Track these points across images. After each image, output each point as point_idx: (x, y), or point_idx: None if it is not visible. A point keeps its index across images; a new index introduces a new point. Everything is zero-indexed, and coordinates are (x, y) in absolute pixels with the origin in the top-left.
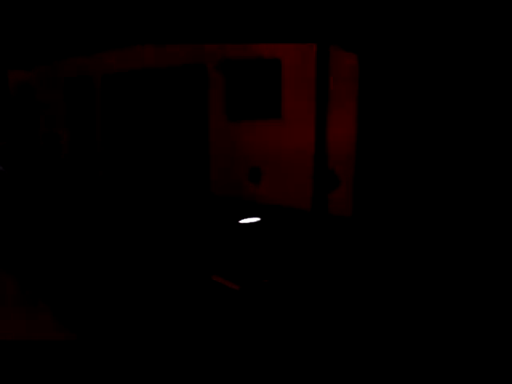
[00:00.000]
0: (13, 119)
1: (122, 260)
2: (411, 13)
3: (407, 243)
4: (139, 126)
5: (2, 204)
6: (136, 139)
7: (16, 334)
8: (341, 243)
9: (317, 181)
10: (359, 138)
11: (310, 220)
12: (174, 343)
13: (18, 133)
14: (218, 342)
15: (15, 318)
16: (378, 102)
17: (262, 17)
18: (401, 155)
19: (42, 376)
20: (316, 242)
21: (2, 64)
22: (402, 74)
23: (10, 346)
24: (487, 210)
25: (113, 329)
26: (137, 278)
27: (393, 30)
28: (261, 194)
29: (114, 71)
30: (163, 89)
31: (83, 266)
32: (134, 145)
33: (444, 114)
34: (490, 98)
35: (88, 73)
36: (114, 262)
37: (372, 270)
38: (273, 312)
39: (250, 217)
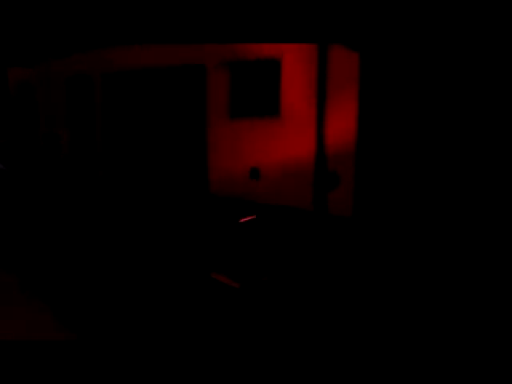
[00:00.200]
0: (12, 117)
1: (121, 259)
2: (414, 11)
3: (406, 242)
4: (139, 125)
5: (2, 202)
6: (135, 138)
7: (16, 334)
8: (340, 242)
9: (317, 180)
10: (359, 137)
11: (309, 219)
12: (174, 341)
13: (18, 131)
14: (218, 340)
15: (15, 317)
16: (378, 102)
17: (262, 17)
18: (401, 155)
19: (42, 376)
20: (315, 240)
21: (2, 62)
22: (402, 74)
23: (9, 346)
24: (486, 211)
25: (113, 328)
26: (136, 277)
27: (394, 28)
28: (260, 193)
29: (113, 70)
30: (163, 88)
31: (83, 265)
32: (133, 144)
33: (445, 113)
34: (492, 99)
35: (88, 71)
36: (114, 261)
37: (371, 268)
38: (273, 310)
39: (249, 215)
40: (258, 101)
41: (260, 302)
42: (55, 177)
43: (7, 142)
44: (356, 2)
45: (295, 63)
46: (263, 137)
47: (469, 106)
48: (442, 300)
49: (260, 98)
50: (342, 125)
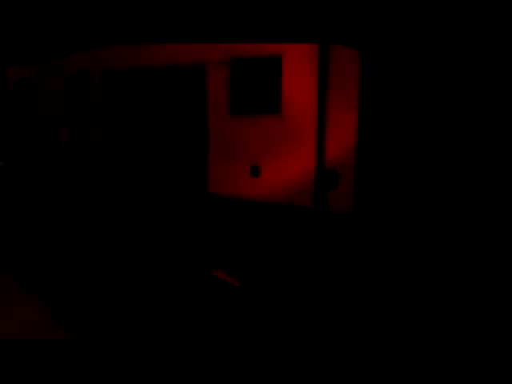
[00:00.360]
0: (12, 116)
1: (121, 258)
2: (415, 10)
3: (407, 240)
4: (138, 122)
5: (1, 200)
6: (135, 136)
7: (16, 334)
8: (340, 240)
9: (317, 178)
10: (360, 135)
11: (309, 217)
12: (174, 340)
13: (18, 129)
14: (218, 338)
15: (15, 317)
16: (379, 100)
17: (263, 17)
18: (402, 152)
19: (41, 376)
20: (316, 238)
21: (2, 60)
22: (403, 72)
23: (10, 346)
24: (486, 211)
25: (113, 327)
26: (136, 276)
27: (395, 26)
28: (260, 192)
29: (114, 68)
30: (162, 86)
31: (83, 264)
32: (133, 141)
33: (445, 111)
34: (492, 100)
35: (88, 70)
36: (114, 260)
37: (372, 265)
38: (273, 308)
39: (249, 215)
40: (259, 98)
41: (260, 300)
42: (55, 175)
43: (7, 140)
44: (356, 2)
45: (296, 61)
46: (264, 134)
47: (471, 104)
48: (444, 297)
49: (261, 96)
50: (343, 122)
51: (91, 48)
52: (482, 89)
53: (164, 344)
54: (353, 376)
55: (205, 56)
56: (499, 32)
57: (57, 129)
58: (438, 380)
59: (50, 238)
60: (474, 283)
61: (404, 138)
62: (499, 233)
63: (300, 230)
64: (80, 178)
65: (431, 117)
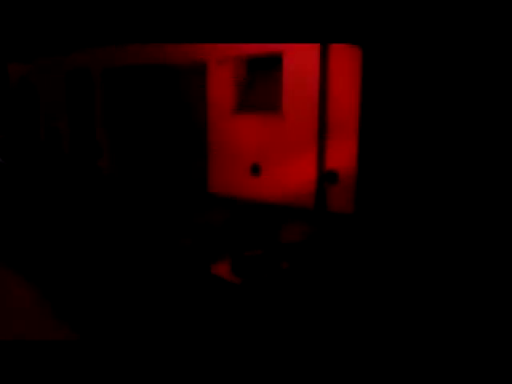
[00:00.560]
0: (13, 112)
1: (121, 257)
2: (417, 10)
3: (407, 240)
4: (138, 120)
5: (1, 197)
6: (135, 133)
7: (16, 334)
8: (341, 239)
9: (317, 177)
10: (361, 134)
11: (310, 216)
12: (174, 338)
13: (19, 126)
14: (219, 336)
15: (15, 317)
16: (380, 99)
17: (265, 16)
18: (403, 152)
19: (42, 376)
20: (316, 237)
21: (3, 57)
22: (403, 70)
23: (10, 346)
24: (486, 210)
25: (113, 326)
26: (136, 275)
27: (397, 24)
28: (260, 192)
29: (113, 65)
30: (163, 84)
31: (83, 263)
32: (132, 138)
33: (446, 111)
34: (494, 100)
35: (88, 67)
36: (114, 259)
37: (372, 264)
38: (274, 306)
39: (249, 214)
40: (260, 96)
41: (261, 299)
42: (55, 172)
43: (7, 137)
44: (356, 2)
45: (297, 59)
46: (264, 133)
47: (472, 103)
48: (444, 294)
49: (262, 94)
50: (344, 122)
51: (92, 47)
52: (484, 90)
53: (164, 342)
54: (353, 375)
55: (205, 55)
56: (500, 31)
57: (57, 124)
58: (438, 380)
59: (50, 235)
60: (474, 284)
61: (405, 138)
62: (499, 233)
63: (301, 230)
64: (80, 174)
65: (432, 116)
